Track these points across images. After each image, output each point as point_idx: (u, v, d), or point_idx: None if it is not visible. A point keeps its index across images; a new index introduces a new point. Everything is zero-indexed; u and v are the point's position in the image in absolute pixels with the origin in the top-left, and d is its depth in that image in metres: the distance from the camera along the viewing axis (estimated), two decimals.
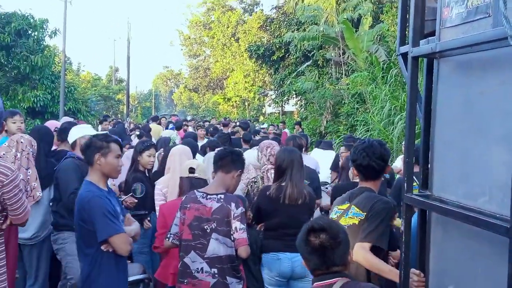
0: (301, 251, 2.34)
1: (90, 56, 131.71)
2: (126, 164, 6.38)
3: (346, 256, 2.30)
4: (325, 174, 7.77)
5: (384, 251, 3.16)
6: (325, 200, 5.94)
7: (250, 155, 5.55)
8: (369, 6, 18.19)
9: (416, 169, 2.53)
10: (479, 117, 1.91)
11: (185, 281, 3.67)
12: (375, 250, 3.03)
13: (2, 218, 3.29)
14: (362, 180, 3.38)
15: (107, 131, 10.02)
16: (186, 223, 3.69)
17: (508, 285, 1.62)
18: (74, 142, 4.83)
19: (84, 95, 28.44)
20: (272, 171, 4.62)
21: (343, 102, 17.39)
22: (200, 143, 10.06)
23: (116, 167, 3.53)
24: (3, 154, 4.42)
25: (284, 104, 28.77)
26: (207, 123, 18.73)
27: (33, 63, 20.95)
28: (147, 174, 5.63)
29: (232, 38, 43.83)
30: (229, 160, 3.86)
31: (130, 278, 4.44)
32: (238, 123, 16.26)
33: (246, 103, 40.13)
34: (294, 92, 21.82)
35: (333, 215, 3.42)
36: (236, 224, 3.63)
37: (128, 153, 6.62)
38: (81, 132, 4.91)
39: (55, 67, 24.69)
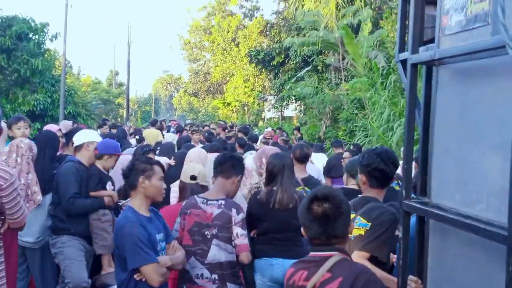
0: (302, 219, 2.31)
1: (91, 59, 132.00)
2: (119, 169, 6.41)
3: (346, 228, 2.29)
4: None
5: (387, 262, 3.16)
6: None
7: (252, 160, 5.55)
8: (368, 12, 18.24)
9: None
10: (477, 125, 1.91)
11: (184, 286, 3.67)
12: (376, 260, 3.02)
13: (0, 222, 3.30)
14: (370, 187, 3.38)
15: (104, 134, 10.03)
16: (186, 228, 3.70)
17: None
18: (79, 146, 4.84)
19: (84, 99, 28.43)
20: None
21: (342, 107, 17.42)
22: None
23: (160, 190, 3.48)
24: (5, 159, 4.43)
25: (284, 109, 28.82)
26: (207, 127, 18.73)
27: (33, 67, 20.97)
28: None
29: (232, 43, 43.88)
30: (230, 165, 3.86)
31: None
32: (237, 128, 16.25)
33: (246, 108, 40.15)
34: (293, 97, 21.88)
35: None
36: (237, 230, 3.64)
37: (123, 158, 6.58)
38: (88, 137, 4.91)
39: (55, 70, 24.72)
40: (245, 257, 3.65)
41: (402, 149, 8.92)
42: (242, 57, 38.28)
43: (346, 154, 8.48)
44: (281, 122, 28.20)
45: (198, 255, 3.64)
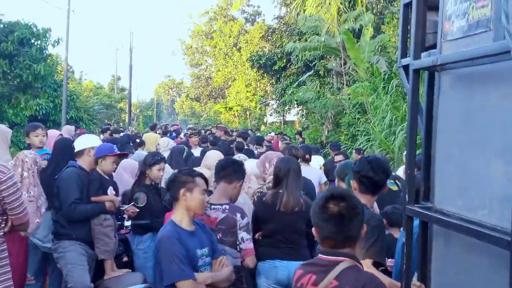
0: (316, 218, 2.28)
1: (93, 65, 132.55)
2: (123, 174, 6.37)
3: (360, 230, 2.26)
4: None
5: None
6: None
7: (251, 165, 5.56)
8: (370, 17, 18.26)
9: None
10: (479, 130, 1.92)
11: None
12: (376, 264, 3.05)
13: (4, 222, 3.30)
14: (360, 193, 3.39)
15: (107, 139, 10.03)
16: None
17: None
18: (80, 151, 4.84)
19: (86, 104, 28.50)
20: None
21: (344, 112, 17.42)
22: (194, 151, 10.14)
23: (202, 203, 3.35)
24: None
25: (286, 114, 28.81)
26: (209, 132, 18.75)
27: (35, 72, 21.03)
28: (155, 187, 5.43)
29: (234, 47, 43.94)
30: (231, 170, 3.87)
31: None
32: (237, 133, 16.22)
33: (248, 113, 40.17)
34: (295, 102, 21.85)
35: None
36: (242, 234, 3.65)
37: (125, 163, 6.54)
38: (89, 142, 4.90)
39: (57, 75, 24.81)
40: (251, 261, 3.67)
41: (404, 153, 8.98)
42: (244, 62, 38.31)
43: (338, 158, 8.56)
44: (283, 127, 28.17)
45: None
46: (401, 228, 3.54)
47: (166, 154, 7.60)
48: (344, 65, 19.31)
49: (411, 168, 2.36)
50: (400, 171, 8.17)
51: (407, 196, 2.33)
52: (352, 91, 16.10)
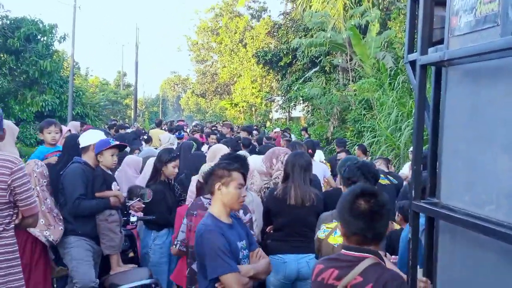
0: (345, 213, 2.28)
1: (99, 61, 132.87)
2: (127, 170, 6.39)
3: (387, 227, 2.28)
4: None
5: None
6: None
7: (254, 161, 5.57)
8: (376, 12, 18.19)
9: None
10: (487, 126, 1.91)
11: (193, 287, 3.68)
12: None
13: (14, 215, 3.31)
14: None
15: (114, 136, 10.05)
16: (193, 229, 3.69)
17: None
18: (85, 147, 4.84)
19: (92, 100, 28.59)
20: None
21: (350, 108, 17.39)
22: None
23: (238, 198, 3.28)
24: None
25: (291, 110, 28.81)
26: (215, 128, 18.78)
27: (42, 68, 21.11)
28: (169, 183, 5.49)
29: (239, 43, 43.94)
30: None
31: (137, 283, 4.47)
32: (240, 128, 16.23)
33: (253, 109, 40.18)
34: (301, 98, 21.85)
35: (320, 234, 3.45)
36: None
37: (129, 160, 6.53)
38: (95, 138, 4.89)
39: (63, 72, 24.88)
40: None
41: (410, 150, 8.98)
42: (250, 58, 38.33)
43: (340, 155, 8.60)
44: (288, 123, 28.18)
45: None
46: (407, 224, 3.56)
47: None
48: (350, 61, 19.27)
49: (418, 164, 2.35)
50: (406, 168, 8.17)
51: (413, 192, 2.32)
52: (358, 87, 16.06)
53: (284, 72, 27.92)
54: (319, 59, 21.95)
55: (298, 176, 4.35)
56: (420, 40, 2.29)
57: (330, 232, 3.37)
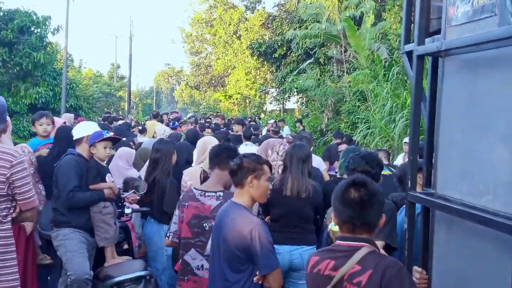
0: (337, 202, 2.30)
1: (92, 53, 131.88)
2: (118, 162, 6.35)
3: (378, 218, 2.28)
4: None
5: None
6: None
7: (245, 151, 5.56)
8: (371, 4, 18.17)
9: None
10: (484, 116, 1.91)
11: (186, 278, 3.68)
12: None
13: (12, 209, 3.29)
14: None
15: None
16: (185, 221, 3.69)
17: None
18: (79, 139, 4.81)
19: (86, 92, 28.49)
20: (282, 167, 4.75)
21: (344, 99, 17.41)
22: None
23: (267, 191, 3.28)
24: None
25: (285, 102, 28.79)
26: (209, 120, 18.76)
27: (35, 60, 21.01)
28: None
29: (234, 35, 43.77)
30: (225, 156, 3.84)
31: (132, 275, 4.46)
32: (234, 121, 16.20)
33: (247, 101, 40.12)
34: (295, 90, 21.82)
35: (334, 227, 3.44)
36: None
37: (121, 151, 6.47)
38: (88, 130, 4.85)
39: (57, 64, 24.76)
40: None
41: (403, 141, 8.99)
42: (244, 49, 38.19)
43: (342, 147, 8.58)
44: (282, 115, 28.15)
45: (198, 247, 3.65)
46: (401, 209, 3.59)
47: None
48: (344, 52, 19.26)
49: (414, 155, 2.35)
50: (400, 159, 8.19)
51: (409, 182, 2.32)
52: (352, 79, 16.06)
53: (278, 63, 27.88)
54: (314, 50, 21.93)
55: (295, 168, 4.37)
56: (417, 30, 2.28)
57: None
